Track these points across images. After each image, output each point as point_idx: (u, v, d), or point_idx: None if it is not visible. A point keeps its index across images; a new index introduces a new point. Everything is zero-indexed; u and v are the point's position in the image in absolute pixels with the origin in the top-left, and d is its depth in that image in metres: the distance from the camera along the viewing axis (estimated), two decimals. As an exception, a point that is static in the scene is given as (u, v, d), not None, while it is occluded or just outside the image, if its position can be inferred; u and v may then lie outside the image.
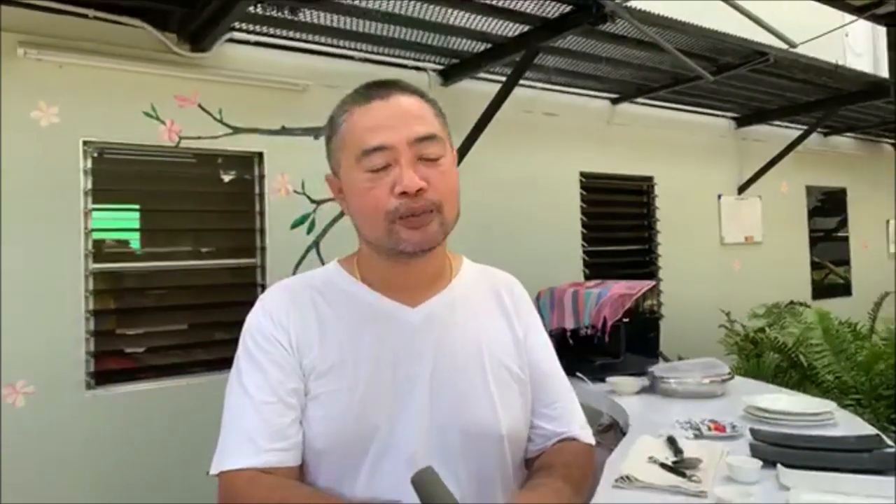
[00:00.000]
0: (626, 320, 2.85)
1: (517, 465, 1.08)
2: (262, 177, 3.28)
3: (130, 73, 2.92)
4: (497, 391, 1.03)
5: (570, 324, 2.87)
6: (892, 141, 7.02)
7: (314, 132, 3.37)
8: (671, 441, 1.72)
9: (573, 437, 1.12)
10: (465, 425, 1.00)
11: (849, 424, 1.93)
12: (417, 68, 3.74)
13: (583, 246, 4.46)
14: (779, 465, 1.49)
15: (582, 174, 4.47)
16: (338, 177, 1.02)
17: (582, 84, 4.30)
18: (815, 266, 6.26)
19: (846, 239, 6.65)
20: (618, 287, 2.82)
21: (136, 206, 3.12)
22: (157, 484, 2.91)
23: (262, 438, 0.93)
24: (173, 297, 3.13)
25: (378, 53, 3.56)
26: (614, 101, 4.65)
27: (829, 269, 6.45)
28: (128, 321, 3.04)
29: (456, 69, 3.73)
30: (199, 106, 3.10)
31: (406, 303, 1.03)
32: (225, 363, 3.17)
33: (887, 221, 7.04)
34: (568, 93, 4.37)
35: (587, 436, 1.15)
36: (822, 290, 6.28)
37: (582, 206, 4.46)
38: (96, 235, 2.92)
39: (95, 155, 2.91)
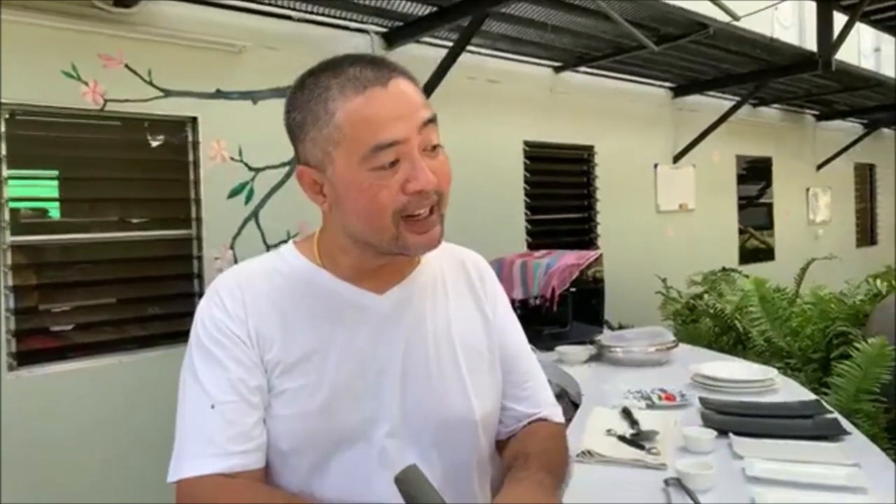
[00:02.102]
0: (572, 289, 2.88)
1: (490, 449, 1.06)
2: (196, 143, 3.10)
3: (47, 28, 2.68)
4: (469, 377, 1.00)
5: (518, 294, 2.88)
6: (815, 112, 7.34)
7: (252, 96, 3.21)
8: (626, 412, 1.75)
9: (544, 418, 1.11)
10: (438, 415, 0.96)
11: (787, 389, 2.02)
12: (360, 30, 3.60)
13: (526, 214, 4.48)
14: (731, 435, 1.53)
15: (525, 143, 4.46)
16: (320, 171, 0.89)
17: (526, 51, 4.26)
18: (741, 232, 6.55)
19: (770, 206, 6.97)
20: (566, 257, 2.84)
21: (58, 174, 2.89)
22: (91, 470, 2.77)
23: (225, 441, 0.86)
24: (102, 270, 2.95)
25: (319, 14, 3.39)
26: (557, 70, 4.64)
27: (750, 234, 6.75)
28: (52, 297, 2.85)
29: (400, 32, 3.61)
30: (126, 66, 2.88)
31: (373, 290, 0.96)
32: (161, 339, 3.07)
33: (807, 190, 7.41)
34: (512, 60, 4.33)
35: (557, 414, 1.14)
36: (748, 254, 6.58)
37: (525, 175, 4.47)
38: (12, 205, 2.70)
39: (7, 117, 2.67)
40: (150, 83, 2.94)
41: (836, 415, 1.69)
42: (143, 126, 3.03)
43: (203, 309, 0.94)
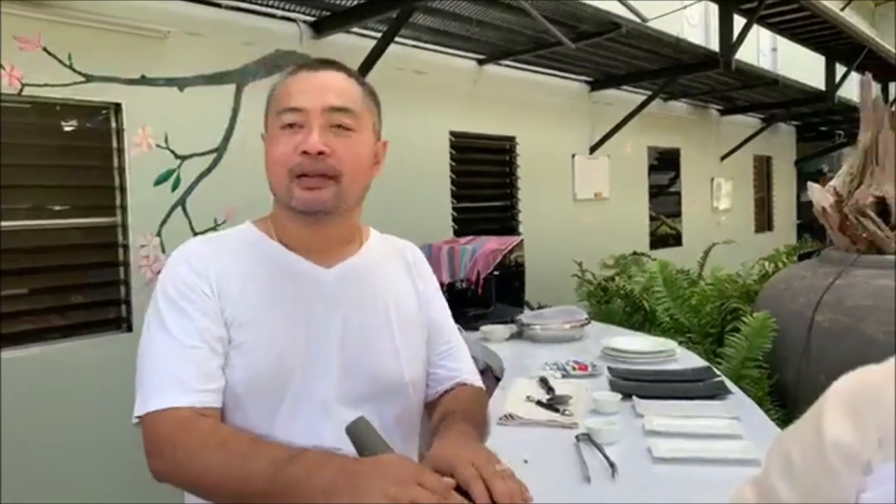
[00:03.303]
0: (496, 273, 3.06)
1: (418, 408, 1.21)
2: (120, 130, 3.06)
3: (-42, 8, 2.58)
4: (401, 343, 1.14)
5: (446, 278, 3.03)
6: (718, 107, 7.85)
7: (178, 83, 3.19)
8: (543, 381, 1.94)
9: (465, 382, 1.26)
10: (372, 373, 1.10)
11: (686, 359, 2.26)
12: (287, 18, 3.62)
13: (452, 202, 4.64)
14: (634, 397, 1.74)
15: (451, 133, 4.61)
16: (265, 132, 1.11)
17: (451, 44, 4.39)
18: (652, 219, 6.95)
19: (679, 195, 7.42)
20: (490, 243, 3.01)
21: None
22: (13, 464, 2.72)
23: (190, 379, 0.96)
24: (23, 259, 2.87)
25: (246, 0, 3.39)
26: (481, 63, 4.80)
27: (662, 221, 7.19)
28: (-32, 287, 2.76)
29: (328, 22, 3.66)
30: (45, 49, 2.81)
31: (320, 263, 1.10)
32: (85, 328, 3.03)
33: (712, 179, 7.93)
34: (438, 52, 4.45)
35: (477, 380, 1.31)
36: (658, 240, 7.00)
37: (451, 165, 4.61)
38: (-76, 192, 2.60)
39: (-83, 100, 2.57)
40: (71, 67, 2.88)
41: (723, 378, 1.93)
42: (65, 112, 2.97)
43: (170, 266, 1.06)
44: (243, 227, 1.14)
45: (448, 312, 1.30)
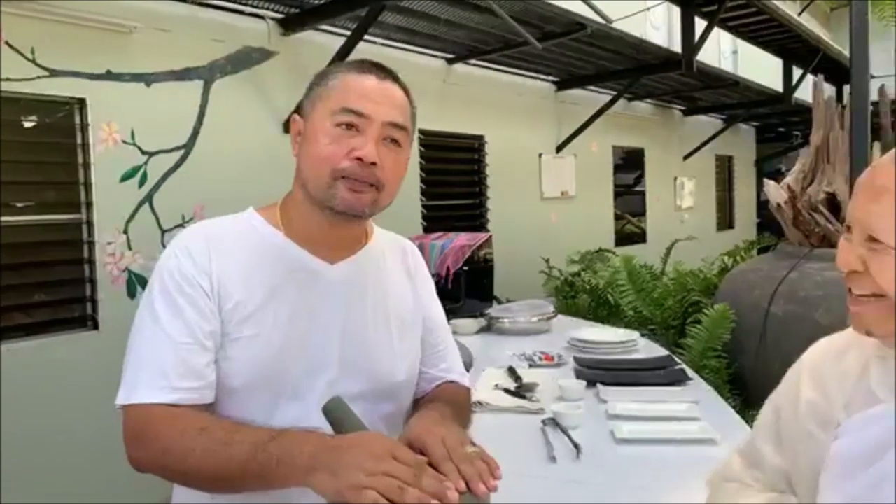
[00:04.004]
0: (465, 268, 3.11)
1: (408, 407, 1.24)
2: (85, 125, 3.02)
3: (-83, 0, 2.53)
4: (399, 342, 1.17)
5: (415, 273, 3.06)
6: (681, 107, 8.04)
7: (145, 78, 3.16)
8: (511, 371, 1.99)
9: (453, 381, 1.30)
10: (369, 373, 1.12)
11: (648, 349, 2.34)
12: (255, 15, 3.62)
13: (421, 200, 4.67)
14: (598, 385, 1.80)
15: (421, 132, 4.64)
16: (303, 117, 1.08)
17: (420, 43, 4.43)
18: (617, 217, 7.09)
19: (643, 194, 7.58)
20: (459, 239, 3.06)
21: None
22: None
23: (177, 377, 0.96)
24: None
25: (214, -3, 3.39)
26: (450, 62, 4.85)
27: (627, 220, 7.33)
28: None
29: (297, 19, 3.67)
30: (7, 43, 2.77)
31: (326, 259, 1.11)
32: (50, 325, 2.99)
33: (675, 178, 8.12)
34: (408, 50, 4.48)
35: (465, 381, 1.34)
36: (624, 237, 7.14)
37: (421, 163, 4.65)
38: None
39: None
40: (34, 62, 2.84)
41: (683, 365, 2.01)
42: (28, 107, 2.92)
43: (169, 259, 1.04)
44: (248, 216, 1.12)
45: (443, 313, 1.32)
